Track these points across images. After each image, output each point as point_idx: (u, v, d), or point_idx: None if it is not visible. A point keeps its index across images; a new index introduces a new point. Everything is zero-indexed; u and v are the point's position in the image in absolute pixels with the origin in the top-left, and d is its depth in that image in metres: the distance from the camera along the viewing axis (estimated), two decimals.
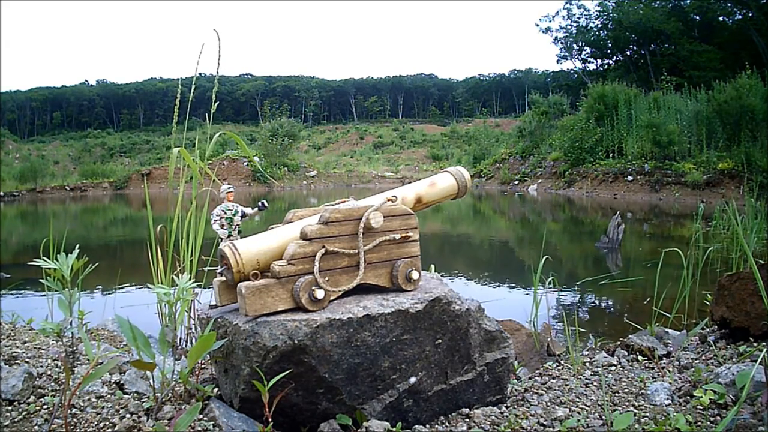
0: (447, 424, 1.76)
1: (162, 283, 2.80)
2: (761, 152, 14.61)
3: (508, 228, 11.69)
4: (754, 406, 1.66)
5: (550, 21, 49.12)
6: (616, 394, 2.01)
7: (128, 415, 1.56)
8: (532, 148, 23.85)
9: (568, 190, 19.01)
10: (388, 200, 1.80)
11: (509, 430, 1.69)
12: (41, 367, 1.83)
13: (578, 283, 5.51)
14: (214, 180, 3.21)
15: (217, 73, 2.97)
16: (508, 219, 13.36)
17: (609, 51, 39.18)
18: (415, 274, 1.77)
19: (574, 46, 39.92)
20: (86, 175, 26.88)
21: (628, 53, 37.88)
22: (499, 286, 5.91)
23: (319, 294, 1.59)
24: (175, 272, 2.95)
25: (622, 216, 7.74)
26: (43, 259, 1.84)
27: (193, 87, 2.93)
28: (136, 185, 25.38)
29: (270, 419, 1.47)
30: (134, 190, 25.00)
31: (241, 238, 2.34)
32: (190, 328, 2.98)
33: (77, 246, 2.00)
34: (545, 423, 1.74)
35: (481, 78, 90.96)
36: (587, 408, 1.88)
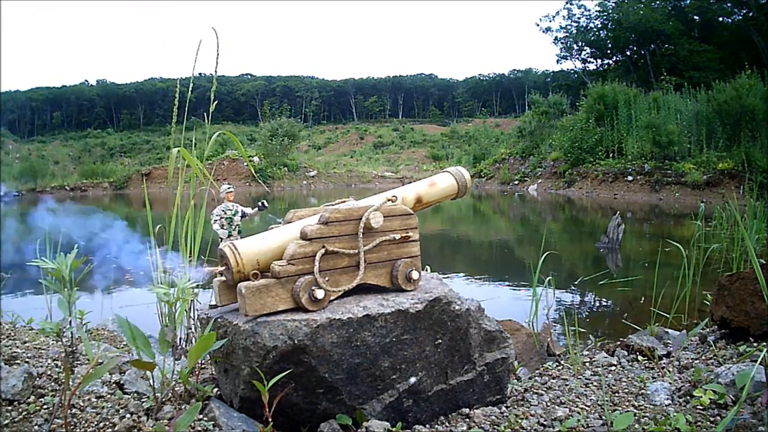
0: (447, 424, 1.75)
1: (161, 283, 2.80)
2: (761, 152, 14.60)
3: (508, 228, 11.69)
4: (754, 406, 1.66)
5: (550, 21, 49.04)
6: (616, 394, 2.01)
7: (128, 415, 1.56)
8: (532, 148, 23.83)
9: (568, 190, 19.00)
10: (388, 200, 1.80)
11: (509, 430, 1.69)
12: (41, 367, 1.82)
13: (577, 282, 5.51)
14: (212, 181, 3.20)
15: (216, 72, 2.97)
16: (508, 219, 13.36)
17: (609, 51, 39.12)
18: (415, 274, 1.77)
19: (574, 46, 39.86)
20: (86, 175, 26.87)
21: (628, 53, 37.83)
22: (499, 286, 5.91)
23: (319, 294, 1.59)
24: None
25: (622, 216, 7.74)
26: (43, 260, 1.84)
27: (191, 86, 2.93)
28: (136, 185, 25.37)
29: (270, 419, 1.47)
30: (134, 190, 24.99)
31: (241, 238, 2.33)
32: (190, 328, 2.98)
33: (76, 246, 2.00)
34: (545, 423, 1.74)
35: (481, 78, 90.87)
36: (587, 408, 1.88)
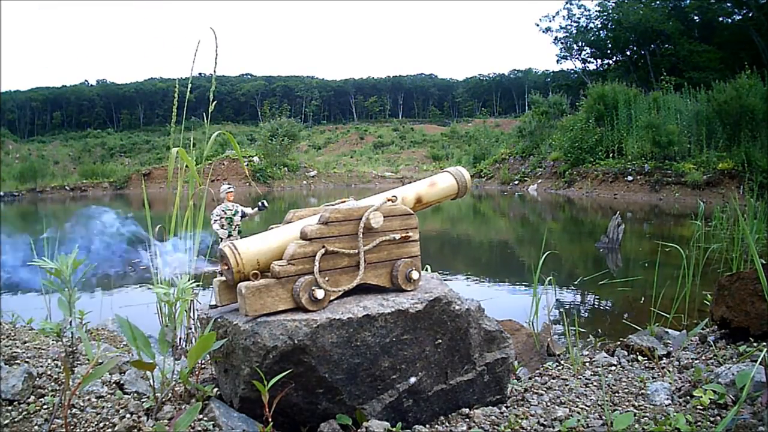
0: (447, 424, 1.75)
1: (161, 283, 2.80)
2: (761, 152, 14.60)
3: (508, 228, 11.69)
4: (754, 406, 1.66)
5: (550, 21, 49.11)
6: (616, 394, 2.01)
7: (128, 415, 1.56)
8: (532, 148, 23.84)
9: (568, 190, 19.00)
10: (388, 200, 1.80)
11: (509, 430, 1.69)
12: (41, 367, 1.82)
13: (577, 282, 5.51)
14: (202, 185, 3.20)
15: (215, 72, 2.97)
16: (508, 219, 13.36)
17: (609, 51, 39.14)
18: (415, 274, 1.77)
19: (574, 46, 39.88)
20: (86, 175, 26.91)
21: (628, 53, 37.85)
22: (499, 285, 5.91)
23: (319, 294, 1.59)
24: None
25: (622, 216, 7.74)
26: (43, 259, 1.84)
27: (190, 86, 2.93)
28: (136, 185, 25.39)
29: (270, 419, 1.47)
30: (134, 190, 25.01)
31: (241, 238, 2.33)
32: (190, 328, 2.98)
33: (77, 245, 2.00)
34: (545, 423, 1.74)
35: (481, 78, 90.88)
36: (587, 408, 1.88)
